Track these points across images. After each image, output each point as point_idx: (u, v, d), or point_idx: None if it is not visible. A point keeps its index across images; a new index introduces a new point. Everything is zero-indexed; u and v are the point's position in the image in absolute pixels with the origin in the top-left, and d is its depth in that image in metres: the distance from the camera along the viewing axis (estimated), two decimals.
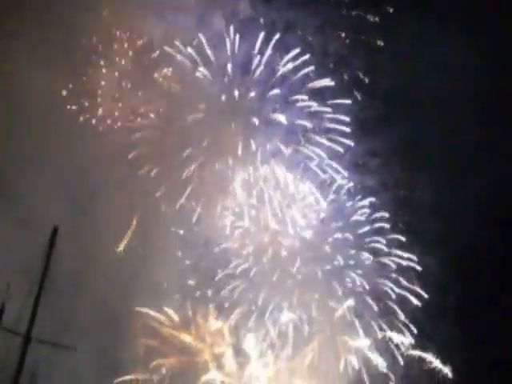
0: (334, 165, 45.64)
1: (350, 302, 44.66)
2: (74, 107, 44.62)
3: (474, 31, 45.58)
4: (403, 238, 45.62)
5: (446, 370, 44.60)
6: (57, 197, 40.12)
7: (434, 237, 44.42)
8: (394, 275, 45.25)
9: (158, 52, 45.97)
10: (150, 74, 46.16)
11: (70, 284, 36.30)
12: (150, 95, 45.82)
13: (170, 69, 46.18)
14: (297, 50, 45.03)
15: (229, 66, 45.92)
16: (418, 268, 44.99)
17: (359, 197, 46.32)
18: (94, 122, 44.97)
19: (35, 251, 33.23)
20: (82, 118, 44.75)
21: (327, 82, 45.22)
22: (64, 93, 44.44)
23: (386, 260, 45.47)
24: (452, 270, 43.82)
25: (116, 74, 45.51)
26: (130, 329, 42.82)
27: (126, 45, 45.72)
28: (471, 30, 45.44)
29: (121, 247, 44.07)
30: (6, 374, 32.02)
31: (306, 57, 44.98)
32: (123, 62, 45.76)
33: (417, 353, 44.92)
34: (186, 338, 45.13)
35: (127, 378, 42.98)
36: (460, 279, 44.35)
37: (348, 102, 45.10)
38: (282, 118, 45.31)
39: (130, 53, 45.86)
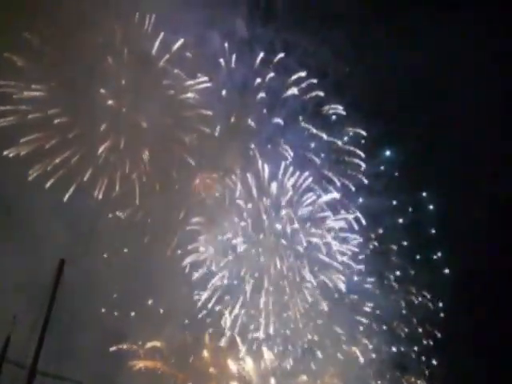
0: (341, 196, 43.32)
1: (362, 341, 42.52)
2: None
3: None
4: (412, 271, 43.50)
5: None
6: (62, 229, 39.47)
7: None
8: (404, 312, 43.11)
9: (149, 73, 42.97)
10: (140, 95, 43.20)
11: (74, 317, 34.89)
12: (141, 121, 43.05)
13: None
14: (300, 74, 42.50)
15: (224, 91, 43.37)
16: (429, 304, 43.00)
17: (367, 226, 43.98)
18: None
19: (41, 283, 32.13)
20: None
21: (339, 110, 42.70)
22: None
23: (395, 296, 43.26)
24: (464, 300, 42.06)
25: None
26: (134, 362, 42.62)
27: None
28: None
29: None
30: None
31: (311, 81, 42.52)
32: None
33: None
34: (186, 370, 43.39)
35: None
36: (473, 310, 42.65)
37: (362, 132, 42.59)
38: (283, 146, 42.83)
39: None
